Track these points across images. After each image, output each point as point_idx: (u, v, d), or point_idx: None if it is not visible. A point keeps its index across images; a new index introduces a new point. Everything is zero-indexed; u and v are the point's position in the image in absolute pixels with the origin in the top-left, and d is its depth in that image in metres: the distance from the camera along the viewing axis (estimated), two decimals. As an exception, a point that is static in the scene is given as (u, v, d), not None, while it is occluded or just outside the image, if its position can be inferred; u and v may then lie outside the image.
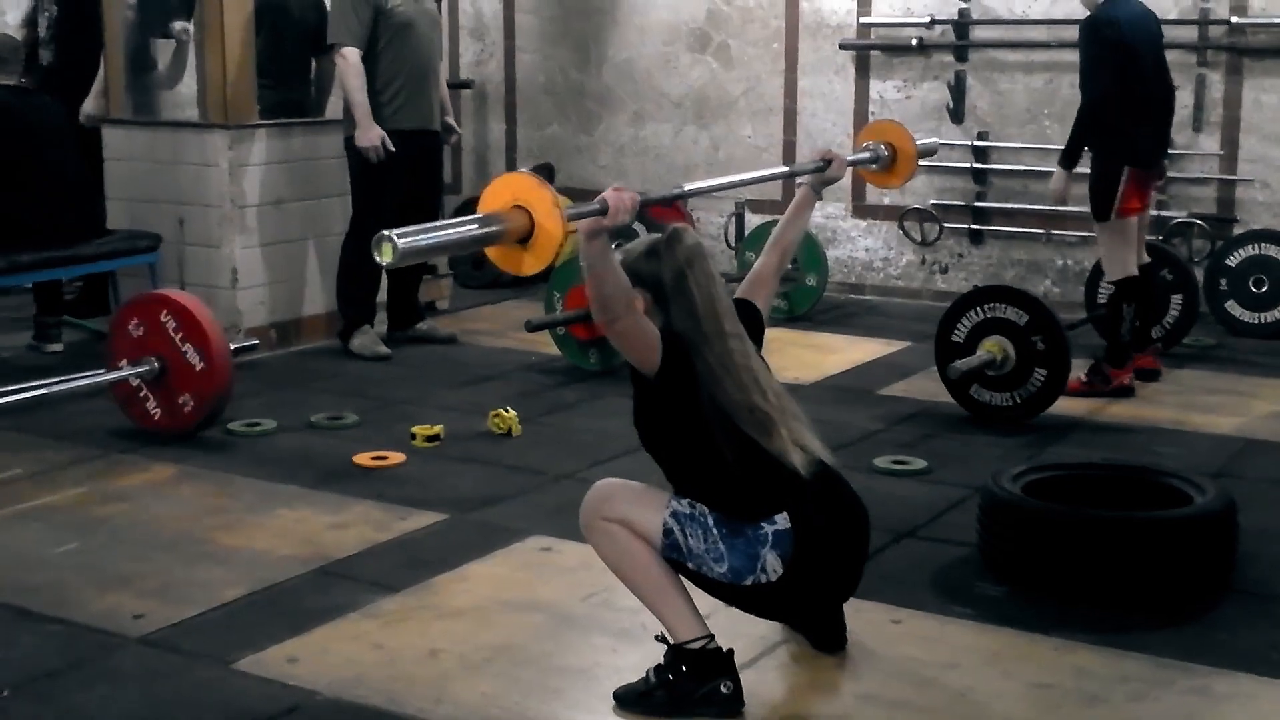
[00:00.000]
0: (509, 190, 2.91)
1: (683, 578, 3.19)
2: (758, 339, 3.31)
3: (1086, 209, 6.80)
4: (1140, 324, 6.15)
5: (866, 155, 4.21)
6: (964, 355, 5.60)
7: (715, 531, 3.12)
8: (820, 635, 3.48)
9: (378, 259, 2.71)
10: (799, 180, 3.85)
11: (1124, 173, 5.89)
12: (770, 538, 3.10)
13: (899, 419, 5.69)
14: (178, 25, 7.09)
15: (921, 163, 7.95)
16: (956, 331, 5.67)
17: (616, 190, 2.93)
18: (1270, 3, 7.37)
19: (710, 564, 3.12)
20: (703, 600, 3.20)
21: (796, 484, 3.11)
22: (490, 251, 2.95)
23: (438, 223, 2.94)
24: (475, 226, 2.87)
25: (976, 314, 5.64)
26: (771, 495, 3.11)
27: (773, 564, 3.10)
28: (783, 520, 3.10)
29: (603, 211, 2.90)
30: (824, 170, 3.73)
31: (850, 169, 4.06)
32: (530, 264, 2.92)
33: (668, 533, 3.13)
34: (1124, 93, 5.83)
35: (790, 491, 3.11)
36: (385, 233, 2.70)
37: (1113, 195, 5.90)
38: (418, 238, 2.77)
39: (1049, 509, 3.88)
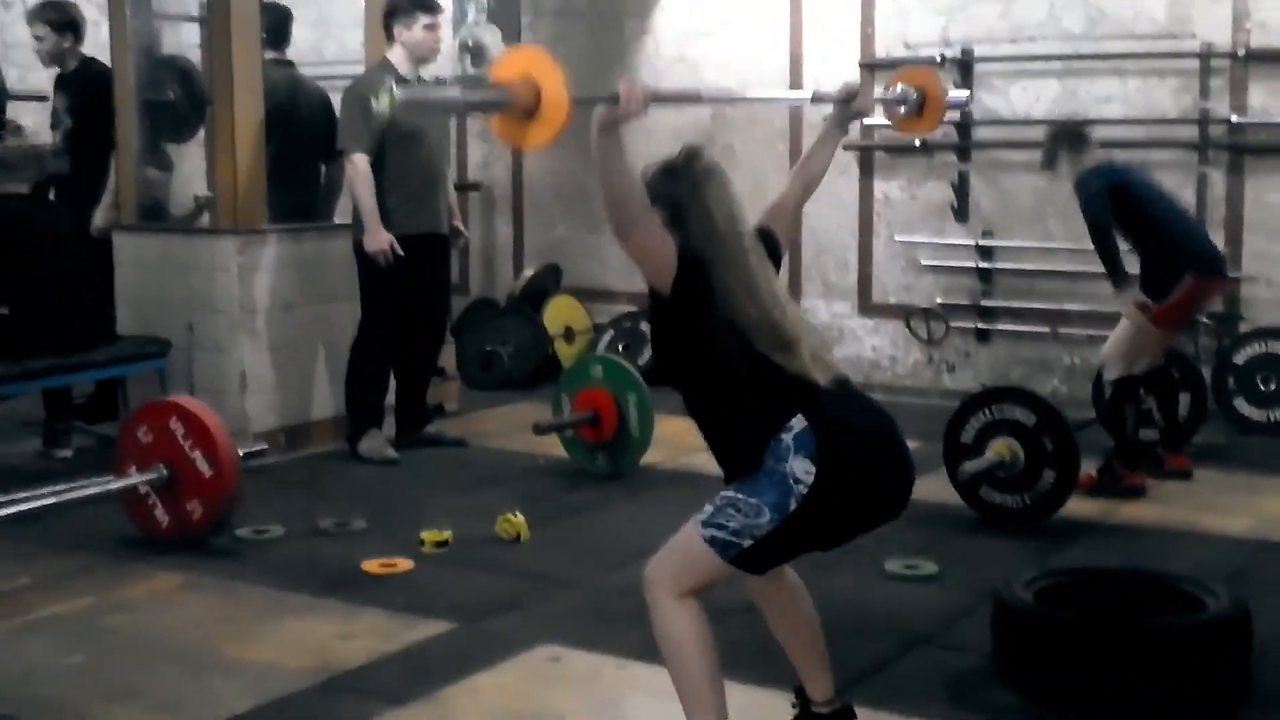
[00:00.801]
0: (520, 61, 2.89)
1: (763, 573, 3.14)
2: (774, 266, 3.25)
3: (1091, 307, 6.87)
4: (1167, 423, 6.15)
5: (894, 96, 4.11)
6: (973, 457, 5.59)
7: (739, 495, 3.04)
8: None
9: (373, 103, 2.73)
10: (824, 115, 3.80)
11: (1185, 277, 5.91)
12: (790, 445, 3.00)
13: (909, 521, 5.58)
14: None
15: (926, 261, 8.22)
16: (965, 433, 5.66)
17: (628, 83, 2.92)
18: (1270, 102, 7.44)
19: (757, 523, 3.01)
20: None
21: (811, 389, 3.04)
22: (495, 122, 2.94)
23: (441, 84, 2.95)
24: (479, 93, 2.88)
25: (984, 415, 5.63)
26: (786, 405, 3.03)
27: (802, 469, 2.98)
28: (798, 422, 3.01)
29: (614, 100, 2.88)
30: (848, 103, 3.68)
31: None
32: (535, 134, 2.90)
33: (712, 541, 3.05)
34: (1137, 222, 5.93)
35: (804, 396, 3.04)
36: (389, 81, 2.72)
37: (1171, 285, 5.90)
38: (416, 92, 2.78)
39: (1062, 616, 3.86)
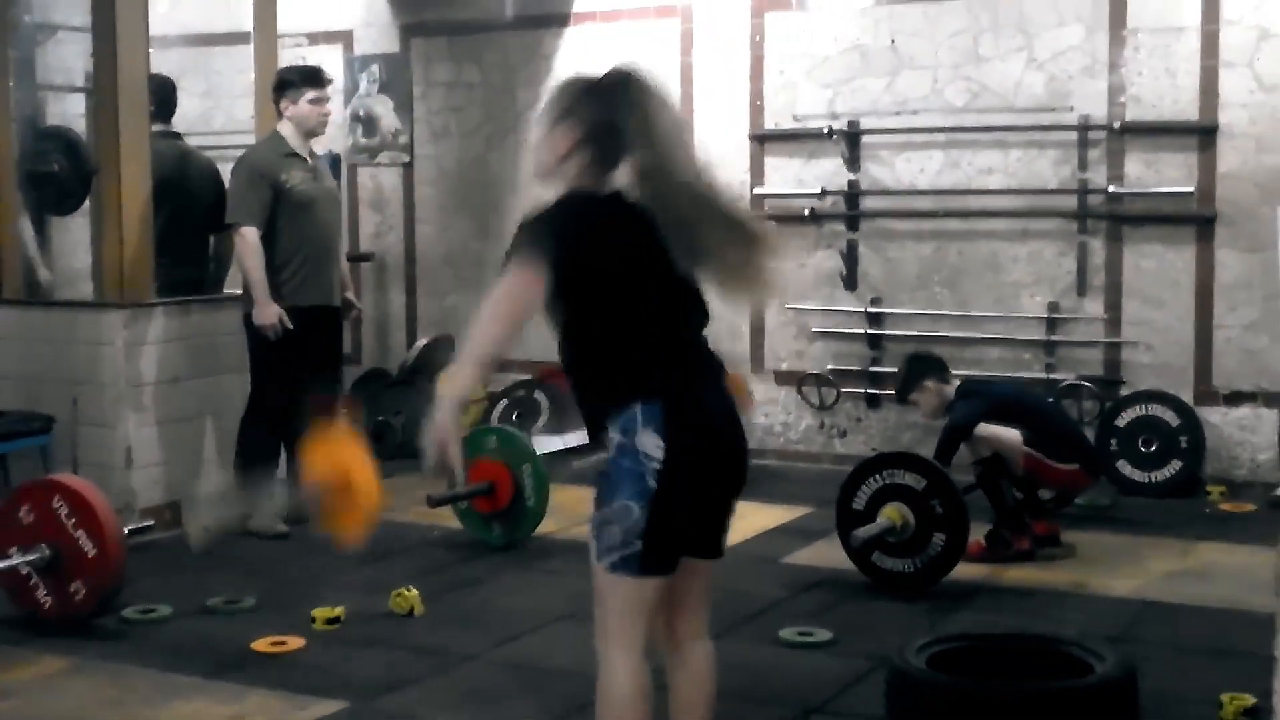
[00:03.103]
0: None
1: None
2: None
3: (978, 372, 6.97)
4: (1026, 493, 6.20)
5: None
6: (865, 523, 5.64)
7: (604, 510, 3.07)
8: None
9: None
10: None
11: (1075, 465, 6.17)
12: (639, 417, 3.03)
13: (803, 588, 5.70)
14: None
15: (816, 328, 8.32)
16: (856, 499, 5.71)
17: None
18: (1145, 172, 7.67)
19: (634, 521, 3.03)
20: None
21: (673, 359, 3.09)
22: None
23: None
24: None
25: (875, 480, 5.70)
26: (646, 378, 3.07)
27: (653, 444, 3.02)
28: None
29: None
30: None
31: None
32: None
33: (614, 566, 3.06)
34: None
35: (665, 369, 3.08)
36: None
37: (1061, 460, 6.12)
38: None
39: (953, 682, 3.90)
